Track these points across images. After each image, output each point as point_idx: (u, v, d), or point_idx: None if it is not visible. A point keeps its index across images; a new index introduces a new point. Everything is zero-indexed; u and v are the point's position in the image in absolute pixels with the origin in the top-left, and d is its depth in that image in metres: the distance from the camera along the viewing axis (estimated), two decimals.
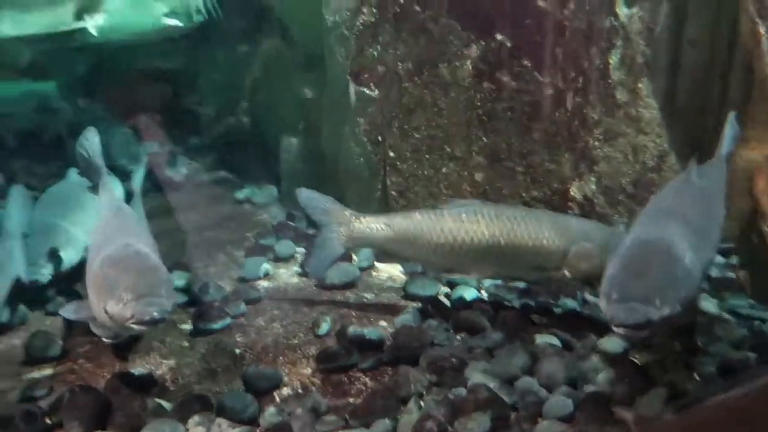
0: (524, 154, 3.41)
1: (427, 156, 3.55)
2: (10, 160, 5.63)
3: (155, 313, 2.04)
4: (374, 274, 3.51)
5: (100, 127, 5.80)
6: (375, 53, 3.58)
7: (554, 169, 3.41)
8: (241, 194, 5.08)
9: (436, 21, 3.38)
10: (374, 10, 3.54)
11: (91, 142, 3.30)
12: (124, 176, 4.64)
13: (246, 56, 5.86)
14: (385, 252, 2.95)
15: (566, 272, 2.71)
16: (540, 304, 3.02)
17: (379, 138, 3.64)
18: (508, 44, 3.30)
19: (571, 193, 3.42)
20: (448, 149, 3.51)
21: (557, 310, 2.99)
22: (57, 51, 5.71)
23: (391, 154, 3.61)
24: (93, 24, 4.30)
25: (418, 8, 3.41)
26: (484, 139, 3.44)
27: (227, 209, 4.95)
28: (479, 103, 3.40)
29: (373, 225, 2.88)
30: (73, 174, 4.34)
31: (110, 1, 4.28)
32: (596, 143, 3.42)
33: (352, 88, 3.66)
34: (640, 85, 3.39)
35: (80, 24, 4.30)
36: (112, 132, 5.58)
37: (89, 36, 4.36)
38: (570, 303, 3.02)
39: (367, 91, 3.62)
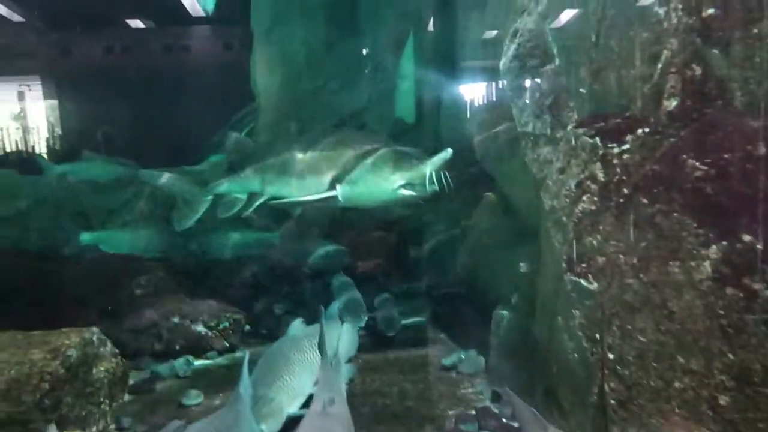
0: None
1: (654, 364, 3.05)
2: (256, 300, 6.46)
3: None
4: None
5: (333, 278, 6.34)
6: (595, 243, 3.31)
7: None
8: (448, 360, 5.00)
9: (666, 215, 3.03)
10: (595, 199, 3.32)
11: (321, 327, 3.51)
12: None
13: (469, 221, 6.02)
14: None
15: None
16: None
17: (597, 336, 3.26)
18: (759, 246, 2.78)
19: None
20: (682, 360, 2.97)
21: None
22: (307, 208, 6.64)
23: (611, 356, 3.19)
24: (341, 192, 4.88)
25: (645, 200, 3.10)
26: (730, 355, 2.84)
27: (433, 375, 4.87)
28: (722, 312, 2.86)
29: None
30: (297, 324, 4.69)
31: (357, 174, 4.83)
32: None
33: (568, 277, 3.40)
34: None
35: (332, 192, 4.92)
36: (342, 287, 6.05)
37: (337, 201, 4.95)
38: None
39: (584, 283, 3.33)
